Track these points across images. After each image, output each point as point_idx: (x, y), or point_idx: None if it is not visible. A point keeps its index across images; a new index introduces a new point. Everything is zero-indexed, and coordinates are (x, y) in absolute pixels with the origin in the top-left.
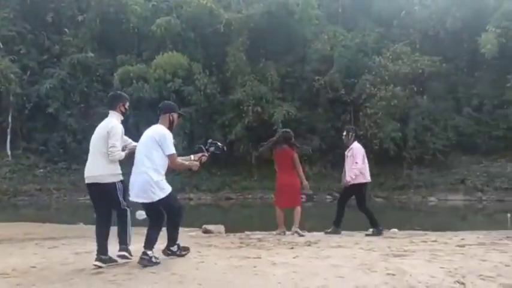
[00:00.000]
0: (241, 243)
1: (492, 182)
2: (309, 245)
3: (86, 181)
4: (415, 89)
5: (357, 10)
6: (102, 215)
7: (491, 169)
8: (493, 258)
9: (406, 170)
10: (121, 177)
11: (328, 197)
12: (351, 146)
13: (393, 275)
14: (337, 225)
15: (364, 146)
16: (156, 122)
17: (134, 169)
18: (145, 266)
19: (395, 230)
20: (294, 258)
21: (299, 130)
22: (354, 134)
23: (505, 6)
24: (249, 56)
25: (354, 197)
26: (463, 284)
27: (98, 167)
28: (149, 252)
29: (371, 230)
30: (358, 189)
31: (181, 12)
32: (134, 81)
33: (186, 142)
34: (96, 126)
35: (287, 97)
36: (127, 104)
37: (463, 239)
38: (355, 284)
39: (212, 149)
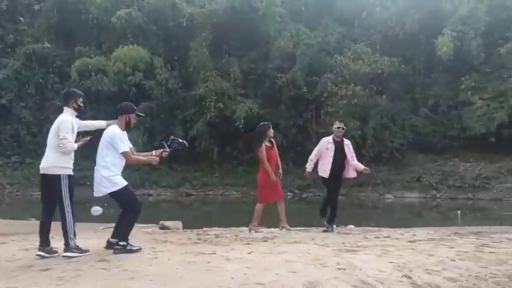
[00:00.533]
0: (198, 239)
1: (446, 181)
2: (266, 241)
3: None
4: (375, 88)
5: (319, 9)
6: (46, 207)
7: (445, 168)
8: (440, 253)
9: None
10: (69, 172)
11: (289, 193)
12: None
13: (344, 269)
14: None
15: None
16: (115, 115)
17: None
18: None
19: (352, 226)
20: (248, 253)
21: None
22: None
23: (460, 11)
24: (212, 51)
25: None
26: (409, 277)
27: (48, 159)
28: (121, 242)
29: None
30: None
31: (143, 4)
32: (93, 73)
33: (146, 137)
34: (52, 119)
35: (250, 94)
36: (80, 101)
37: (414, 235)
38: (307, 278)
39: (174, 145)
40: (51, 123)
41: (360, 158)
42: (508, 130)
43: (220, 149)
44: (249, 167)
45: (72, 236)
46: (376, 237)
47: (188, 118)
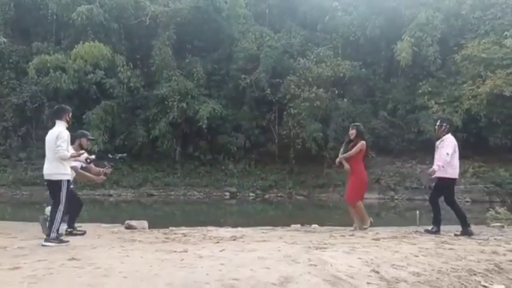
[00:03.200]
0: (166, 238)
1: (403, 182)
2: (235, 240)
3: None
4: (336, 91)
5: (283, 12)
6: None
7: (402, 170)
8: (403, 250)
9: (326, 169)
10: (68, 177)
11: (251, 194)
12: (443, 137)
13: (315, 265)
14: (437, 224)
15: (287, 145)
16: (72, 112)
17: None
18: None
19: (316, 225)
20: (220, 251)
21: (224, 128)
22: (447, 126)
23: (418, 18)
24: (175, 50)
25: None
26: (377, 272)
27: (50, 167)
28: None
29: (459, 231)
30: (446, 185)
31: (105, 1)
32: (51, 70)
33: (107, 136)
34: (7, 116)
35: (213, 94)
36: (70, 115)
37: (377, 233)
38: (280, 274)
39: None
40: (7, 121)
41: (321, 160)
42: (461, 134)
43: (182, 149)
44: (211, 167)
45: (54, 230)
46: (342, 236)
47: (150, 118)
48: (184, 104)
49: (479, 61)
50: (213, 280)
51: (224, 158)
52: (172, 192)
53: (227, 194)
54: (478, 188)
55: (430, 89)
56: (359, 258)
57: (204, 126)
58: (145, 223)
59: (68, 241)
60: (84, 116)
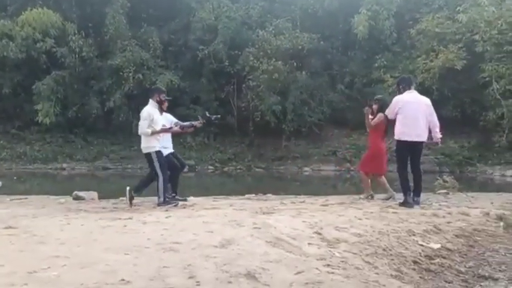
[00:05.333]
0: (114, 207)
1: (359, 154)
2: (184, 208)
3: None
4: (295, 64)
5: None
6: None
7: (358, 142)
8: (349, 214)
9: (284, 142)
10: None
11: (210, 167)
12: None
13: (259, 228)
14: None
15: (247, 118)
16: (21, 83)
17: None
18: None
19: (270, 194)
20: (166, 218)
21: (182, 100)
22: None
23: None
24: (130, 19)
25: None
26: (320, 234)
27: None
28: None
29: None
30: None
31: None
32: None
33: (59, 108)
34: None
35: (170, 65)
36: (162, 96)
37: (327, 200)
38: (223, 237)
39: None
40: None
41: (280, 132)
42: None
43: (139, 122)
44: None
45: (161, 195)
46: (292, 202)
47: (105, 89)
48: (140, 75)
49: (433, 35)
50: (153, 244)
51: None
52: (129, 166)
53: (186, 167)
54: (429, 159)
55: (386, 62)
56: (303, 221)
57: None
58: (94, 194)
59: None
60: (33, 87)
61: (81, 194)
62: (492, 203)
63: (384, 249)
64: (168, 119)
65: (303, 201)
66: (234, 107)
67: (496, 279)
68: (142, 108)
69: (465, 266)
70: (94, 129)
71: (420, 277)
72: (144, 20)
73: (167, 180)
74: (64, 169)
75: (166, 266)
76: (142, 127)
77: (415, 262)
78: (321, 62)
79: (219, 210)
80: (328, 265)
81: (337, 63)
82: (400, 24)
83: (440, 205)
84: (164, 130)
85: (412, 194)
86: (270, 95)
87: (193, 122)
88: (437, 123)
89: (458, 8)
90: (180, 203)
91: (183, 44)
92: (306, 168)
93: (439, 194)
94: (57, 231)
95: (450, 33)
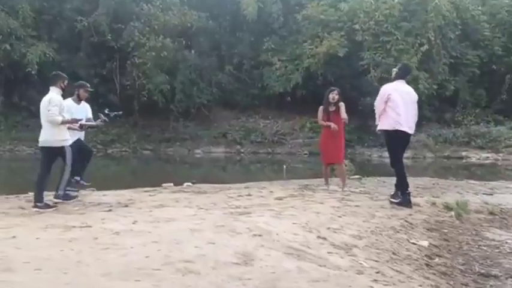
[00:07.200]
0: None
1: (249, 136)
2: (127, 206)
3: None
4: (184, 42)
5: None
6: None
7: (247, 124)
8: (322, 210)
9: (172, 123)
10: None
11: (92, 149)
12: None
13: (259, 235)
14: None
15: (131, 97)
16: None
17: None
18: None
19: (190, 183)
20: (133, 224)
21: None
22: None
23: None
24: None
25: None
26: (325, 238)
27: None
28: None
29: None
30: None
31: None
32: None
33: None
34: None
35: (43, 36)
36: (65, 82)
37: (271, 192)
38: (234, 250)
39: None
40: None
41: (168, 113)
42: (301, 90)
43: (6, 98)
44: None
45: (62, 188)
46: (239, 196)
47: None
48: (7, 46)
49: (318, 22)
50: (159, 264)
51: None
52: None
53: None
54: (315, 141)
55: (273, 46)
56: (293, 223)
57: (33, 72)
58: None
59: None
60: None
61: None
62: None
63: (394, 253)
64: (88, 110)
65: (249, 194)
66: (117, 84)
67: (498, 277)
68: (10, 84)
69: (459, 264)
70: None
71: (447, 282)
72: None
73: (72, 176)
74: None
75: None
76: (54, 113)
77: (427, 265)
78: (209, 42)
79: (175, 210)
80: (375, 280)
81: (226, 43)
82: (287, 8)
83: (370, 193)
84: (69, 122)
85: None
86: (157, 73)
87: (93, 123)
88: (416, 119)
89: None
90: (75, 193)
91: (58, 13)
92: (197, 151)
93: (352, 179)
94: (13, 251)
95: (333, 21)
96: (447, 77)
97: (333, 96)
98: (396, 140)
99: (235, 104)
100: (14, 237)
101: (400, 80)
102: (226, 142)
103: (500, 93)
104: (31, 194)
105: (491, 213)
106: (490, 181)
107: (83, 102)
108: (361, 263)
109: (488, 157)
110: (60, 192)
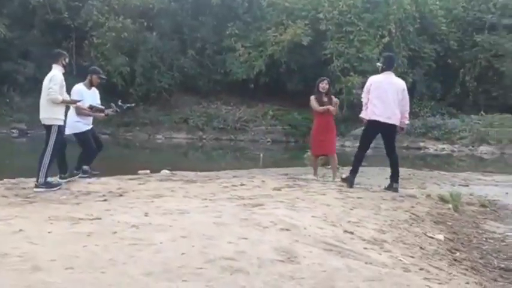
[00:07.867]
0: (26, 198)
1: (211, 122)
2: (121, 196)
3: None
4: (145, 24)
5: None
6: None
7: (209, 110)
8: (330, 202)
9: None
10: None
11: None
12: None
13: (288, 230)
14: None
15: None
16: None
17: None
18: None
19: (166, 171)
20: (145, 216)
21: (9, 53)
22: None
23: None
24: None
25: None
26: (352, 233)
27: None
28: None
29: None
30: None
31: None
32: None
33: None
34: None
35: None
36: (67, 60)
37: (264, 181)
38: (270, 245)
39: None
40: None
41: (127, 96)
42: (264, 78)
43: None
44: None
45: (42, 176)
46: (234, 186)
47: None
48: None
49: (282, 9)
50: (201, 262)
51: (9, 89)
52: None
53: (15, 131)
54: (277, 129)
55: (237, 31)
56: (312, 216)
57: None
58: None
59: (59, 184)
60: None
61: None
62: (387, 178)
63: (421, 248)
64: (97, 96)
65: (243, 184)
66: (74, 65)
67: None
68: None
69: (478, 258)
70: None
71: (481, 278)
72: None
73: (53, 161)
74: None
75: None
76: (55, 91)
77: (455, 260)
78: (171, 24)
79: (177, 200)
80: (427, 279)
81: (188, 27)
82: None
83: (370, 185)
84: (69, 102)
85: (390, 180)
86: (117, 55)
87: (102, 107)
88: (408, 110)
89: None
90: (64, 185)
91: None
92: (159, 136)
93: (330, 168)
94: (28, 246)
95: (298, 9)
96: (406, 70)
97: (323, 86)
98: (369, 129)
99: (197, 89)
100: (21, 230)
101: (387, 72)
102: (188, 128)
103: (454, 87)
104: (6, 180)
105: (482, 205)
106: (447, 171)
107: (93, 88)
108: (400, 260)
109: (444, 148)
110: (41, 180)
